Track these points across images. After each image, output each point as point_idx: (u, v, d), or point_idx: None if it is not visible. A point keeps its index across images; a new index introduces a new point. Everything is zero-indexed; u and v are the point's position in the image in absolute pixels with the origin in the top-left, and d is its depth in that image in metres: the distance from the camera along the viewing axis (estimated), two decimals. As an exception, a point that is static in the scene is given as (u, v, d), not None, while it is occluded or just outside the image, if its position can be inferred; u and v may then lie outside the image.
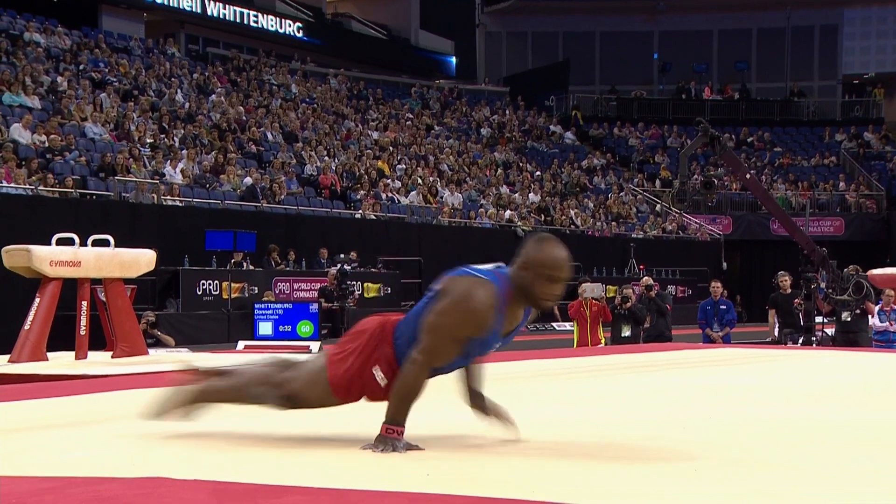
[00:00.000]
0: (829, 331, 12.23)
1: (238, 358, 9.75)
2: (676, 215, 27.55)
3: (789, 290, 12.47)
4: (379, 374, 3.53)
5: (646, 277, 13.78)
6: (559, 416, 4.39)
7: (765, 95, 35.75)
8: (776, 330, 12.82)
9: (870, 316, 11.89)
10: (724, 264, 26.63)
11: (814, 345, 11.59)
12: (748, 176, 12.11)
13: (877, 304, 11.95)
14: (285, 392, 3.67)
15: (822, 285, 12.04)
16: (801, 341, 11.94)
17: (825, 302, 11.98)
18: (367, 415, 4.05)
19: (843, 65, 36.47)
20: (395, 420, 3.43)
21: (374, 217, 20.46)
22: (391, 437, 3.41)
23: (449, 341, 3.43)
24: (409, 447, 3.42)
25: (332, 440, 3.79)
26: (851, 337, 11.49)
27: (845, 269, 11.63)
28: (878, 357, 9.12)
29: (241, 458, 3.40)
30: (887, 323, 11.90)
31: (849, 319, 11.54)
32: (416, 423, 3.54)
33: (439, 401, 4.34)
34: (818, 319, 12.05)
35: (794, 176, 30.77)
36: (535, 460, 3.33)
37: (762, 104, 34.97)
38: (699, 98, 34.72)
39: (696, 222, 28.03)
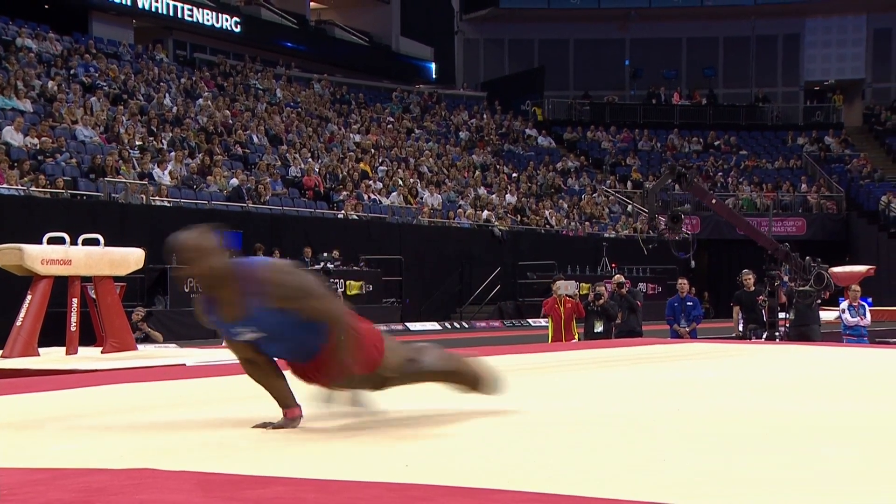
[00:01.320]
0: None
1: (230, 354, 9.72)
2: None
3: (753, 288, 12.54)
4: None
5: (617, 275, 13.82)
6: (534, 408, 4.39)
7: (731, 101, 35.96)
8: (740, 326, 12.89)
9: (841, 312, 11.99)
10: (693, 262, 26.72)
11: (777, 340, 11.67)
12: (714, 201, 12.28)
13: (838, 301, 12.05)
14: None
15: (786, 279, 12.12)
16: (764, 336, 12.02)
17: (785, 294, 12.07)
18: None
19: (804, 72, 36.73)
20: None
21: (356, 217, 20.43)
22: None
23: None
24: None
25: (312, 431, 3.79)
26: (803, 331, 11.54)
27: (807, 258, 11.72)
28: (843, 352, 9.19)
29: (225, 450, 3.39)
30: (858, 318, 11.99)
31: (794, 316, 11.56)
32: (396, 410, 3.54)
33: (416, 389, 4.35)
34: (781, 315, 12.13)
35: (759, 178, 30.96)
36: (512, 450, 3.33)
37: (728, 109, 35.18)
38: (669, 103, 34.87)
39: (663, 219, 28.11)
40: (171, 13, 27.68)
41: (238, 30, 29.45)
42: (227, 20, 29.31)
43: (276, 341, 3.67)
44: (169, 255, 3.69)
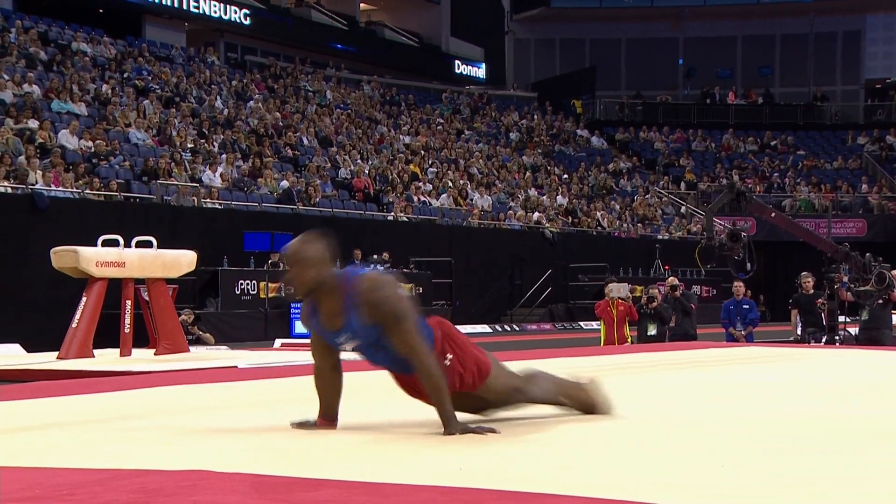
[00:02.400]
0: (853, 330, 12.09)
1: (281, 356, 9.81)
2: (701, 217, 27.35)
3: (811, 291, 12.36)
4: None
5: (671, 278, 13.68)
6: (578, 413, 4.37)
7: (788, 100, 35.44)
8: (798, 329, 12.70)
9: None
10: (748, 265, 26.38)
11: (837, 343, 11.47)
12: (773, 215, 12.13)
13: None
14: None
15: (845, 279, 11.92)
16: (824, 340, 11.82)
17: (848, 293, 11.86)
18: (397, 408, 4.05)
19: (865, 69, 36.10)
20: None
21: (406, 219, 20.49)
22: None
23: None
24: (468, 430, 3.57)
25: (366, 433, 3.80)
26: (874, 335, 11.36)
27: (867, 254, 11.51)
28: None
29: (279, 452, 3.42)
30: None
31: (867, 318, 11.38)
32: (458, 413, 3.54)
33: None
34: (841, 319, 11.93)
35: (817, 178, 30.48)
36: (565, 455, 3.32)
37: (785, 108, 34.68)
38: (723, 102, 34.49)
39: (721, 224, 27.82)
40: (223, 15, 28.01)
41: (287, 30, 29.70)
42: (278, 22, 29.58)
43: (378, 351, 3.73)
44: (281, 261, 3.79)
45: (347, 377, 3.99)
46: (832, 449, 3.47)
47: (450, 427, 3.59)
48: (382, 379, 4.11)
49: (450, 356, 3.67)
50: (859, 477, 2.94)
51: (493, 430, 3.61)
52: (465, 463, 3.14)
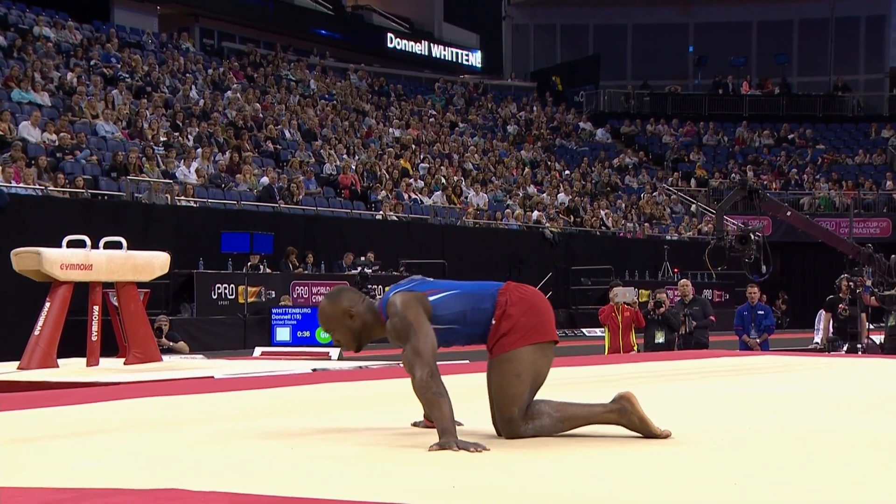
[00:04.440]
0: (877, 338, 12.13)
1: (261, 366, 9.81)
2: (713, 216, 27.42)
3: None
4: None
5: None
6: (586, 428, 4.38)
7: (807, 90, 35.53)
8: (818, 336, 12.73)
9: None
10: (763, 267, 26.44)
11: (860, 352, 11.51)
12: (789, 213, 12.18)
13: None
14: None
15: (868, 283, 11.97)
16: (845, 348, 11.86)
17: (872, 297, 11.90)
18: (394, 425, 4.06)
19: (890, 57, 36.19)
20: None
21: (395, 218, 20.51)
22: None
23: None
24: (464, 445, 3.66)
25: (356, 445, 3.81)
26: None
27: (892, 256, 11.56)
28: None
29: (259, 469, 3.42)
30: None
31: (893, 324, 11.44)
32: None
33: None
34: (868, 326, 11.97)
35: (838, 174, 30.55)
36: (568, 470, 3.33)
37: (804, 99, 34.75)
38: (737, 93, 34.56)
39: (733, 223, 27.88)
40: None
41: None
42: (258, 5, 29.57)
43: (451, 340, 4.10)
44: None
45: (346, 387, 4.00)
46: (849, 465, 3.48)
47: (444, 437, 3.69)
48: (379, 389, 4.11)
49: (494, 322, 3.98)
50: (880, 496, 2.95)
51: (484, 448, 3.68)
52: (460, 480, 3.15)
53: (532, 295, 4.06)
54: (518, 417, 3.96)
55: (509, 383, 3.95)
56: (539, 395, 4.05)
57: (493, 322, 3.95)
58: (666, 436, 4.01)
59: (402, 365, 3.87)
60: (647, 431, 4.02)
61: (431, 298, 3.95)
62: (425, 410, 3.83)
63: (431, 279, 4.21)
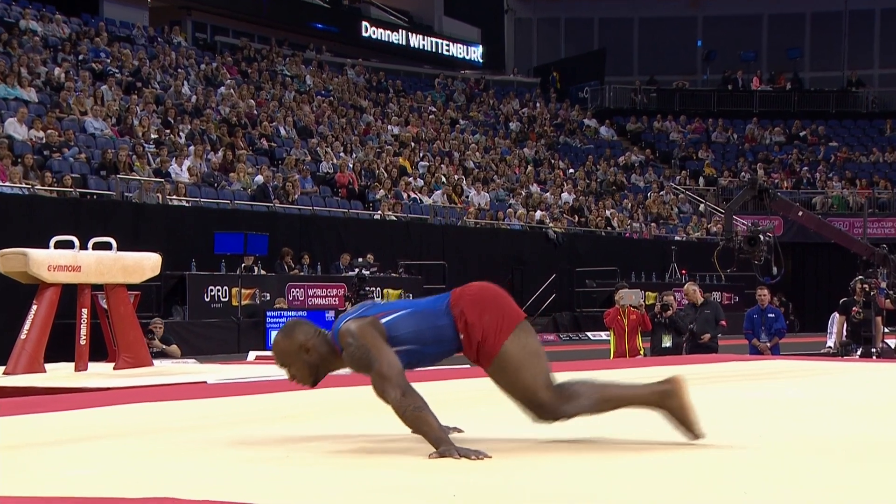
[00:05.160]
0: (892, 342, 12.13)
1: (255, 371, 9.80)
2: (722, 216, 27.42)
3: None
4: None
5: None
6: (592, 433, 4.39)
7: (819, 85, 35.50)
8: (831, 340, 12.73)
9: None
10: (774, 269, 26.43)
11: (874, 357, 11.51)
12: (801, 214, 12.18)
13: None
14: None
15: (883, 285, 11.97)
16: (859, 353, 11.86)
17: (887, 300, 11.90)
18: (391, 431, 4.06)
19: (905, 51, 36.17)
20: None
21: (394, 218, 20.50)
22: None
23: None
24: (465, 452, 3.67)
25: (350, 456, 3.81)
26: None
27: None
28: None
29: (254, 477, 3.43)
30: None
31: None
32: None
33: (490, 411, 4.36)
34: (883, 329, 11.98)
35: (852, 173, 30.54)
36: (569, 477, 3.33)
37: (816, 95, 34.73)
38: (747, 89, 34.54)
39: (742, 223, 27.88)
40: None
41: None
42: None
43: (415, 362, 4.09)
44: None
45: (342, 392, 4.00)
46: (864, 474, 3.49)
47: (443, 446, 3.71)
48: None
49: (461, 336, 3.98)
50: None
51: (486, 455, 3.69)
52: (461, 488, 3.15)
53: (479, 291, 4.07)
54: (549, 399, 3.95)
55: (517, 378, 3.95)
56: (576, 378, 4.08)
57: (462, 336, 3.95)
58: (701, 436, 3.99)
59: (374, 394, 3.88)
60: (684, 421, 4.00)
61: (384, 320, 3.94)
62: (412, 430, 3.83)
63: (383, 302, 4.26)
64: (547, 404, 3.94)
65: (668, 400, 4.01)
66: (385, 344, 3.87)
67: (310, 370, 4.03)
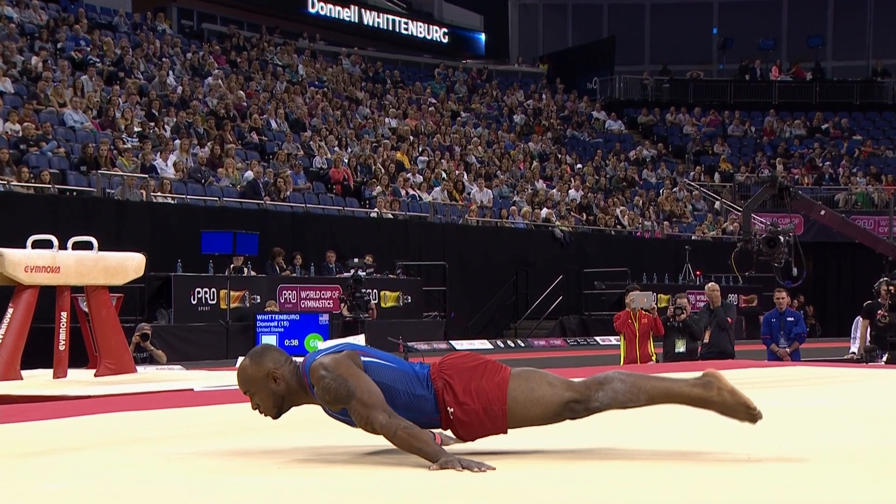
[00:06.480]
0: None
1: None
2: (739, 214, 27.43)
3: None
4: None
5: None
6: (599, 441, 4.39)
7: (842, 75, 35.51)
8: (854, 345, 12.72)
9: None
10: (795, 271, 26.44)
11: (899, 363, 11.51)
12: (823, 213, 12.18)
13: None
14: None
15: None
16: (884, 359, 11.86)
17: None
18: (384, 442, 4.06)
19: (934, 40, 36.17)
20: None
21: (391, 216, 20.51)
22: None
23: None
24: (467, 464, 3.68)
25: (345, 468, 3.81)
26: None
27: None
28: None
29: (244, 490, 3.43)
30: None
31: None
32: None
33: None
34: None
35: (877, 168, 30.56)
36: (569, 488, 3.34)
37: (839, 85, 34.74)
38: (765, 79, 34.57)
39: (761, 222, 27.89)
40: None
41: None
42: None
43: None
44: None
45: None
46: (890, 488, 3.49)
47: (443, 458, 3.73)
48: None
49: (451, 409, 3.96)
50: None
51: (489, 467, 3.70)
52: (453, 499, 3.15)
53: (456, 361, 4.04)
54: (575, 395, 3.99)
55: (534, 403, 3.97)
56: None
57: (452, 410, 3.94)
58: (759, 416, 4.03)
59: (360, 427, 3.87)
60: (738, 405, 4.02)
61: (364, 359, 3.94)
62: (406, 450, 3.82)
63: (364, 346, 4.27)
64: (571, 402, 3.98)
65: (712, 390, 4.03)
66: (363, 372, 3.87)
67: (275, 401, 4.00)
